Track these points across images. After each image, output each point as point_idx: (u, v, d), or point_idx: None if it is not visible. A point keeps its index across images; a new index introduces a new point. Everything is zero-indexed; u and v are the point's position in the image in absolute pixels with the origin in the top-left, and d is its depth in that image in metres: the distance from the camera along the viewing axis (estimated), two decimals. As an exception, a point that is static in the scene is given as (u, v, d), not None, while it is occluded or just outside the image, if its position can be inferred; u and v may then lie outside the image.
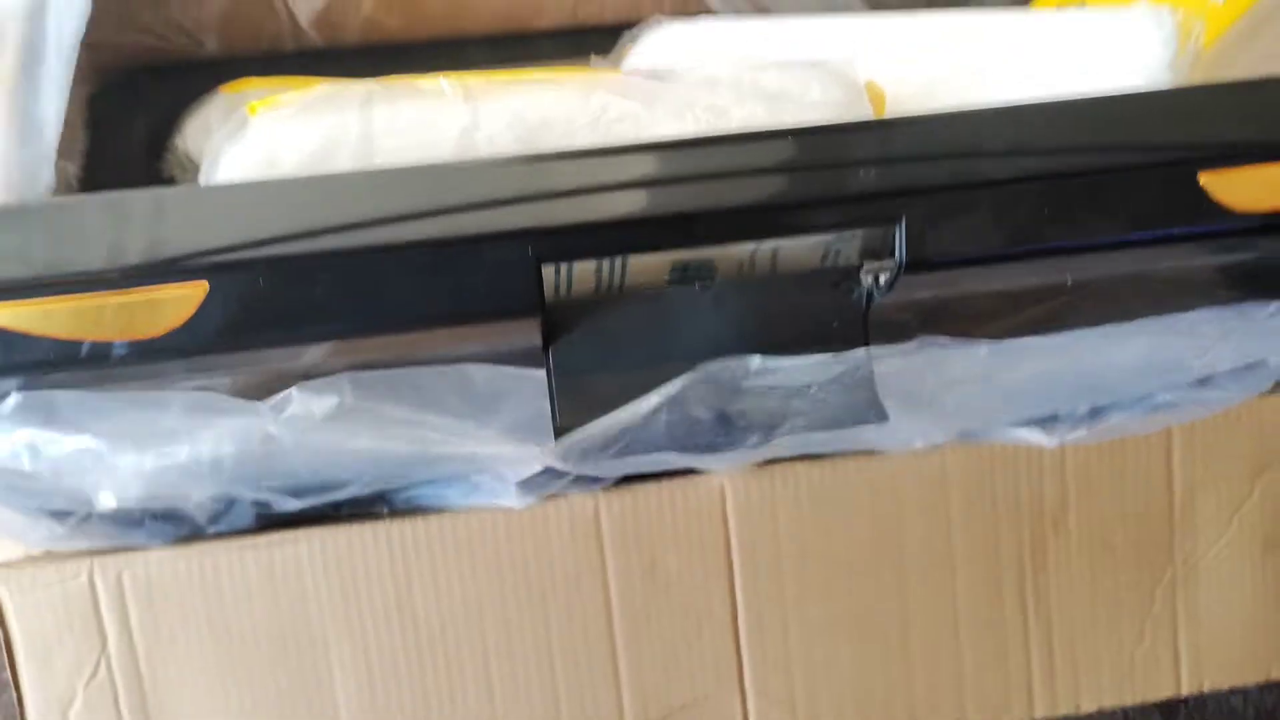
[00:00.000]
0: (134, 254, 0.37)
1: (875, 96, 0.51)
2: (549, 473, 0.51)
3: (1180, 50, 0.48)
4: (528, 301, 0.40)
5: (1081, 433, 0.56)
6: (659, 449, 0.44)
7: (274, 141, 0.45)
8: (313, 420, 0.42)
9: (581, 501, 0.56)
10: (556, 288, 0.45)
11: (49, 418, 0.39)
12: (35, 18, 0.49)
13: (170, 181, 0.65)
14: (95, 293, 0.37)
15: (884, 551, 0.59)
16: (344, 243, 0.38)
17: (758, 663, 0.59)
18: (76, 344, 0.37)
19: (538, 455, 0.45)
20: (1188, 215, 0.41)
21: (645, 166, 0.39)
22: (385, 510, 0.57)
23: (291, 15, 0.74)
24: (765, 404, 0.43)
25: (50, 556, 0.53)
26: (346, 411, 0.43)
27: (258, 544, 0.54)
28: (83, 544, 0.52)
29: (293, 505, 0.53)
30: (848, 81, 0.49)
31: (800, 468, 0.57)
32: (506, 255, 0.39)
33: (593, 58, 0.66)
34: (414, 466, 0.45)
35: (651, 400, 0.41)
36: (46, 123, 0.45)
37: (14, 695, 0.54)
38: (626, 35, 0.64)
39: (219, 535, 0.55)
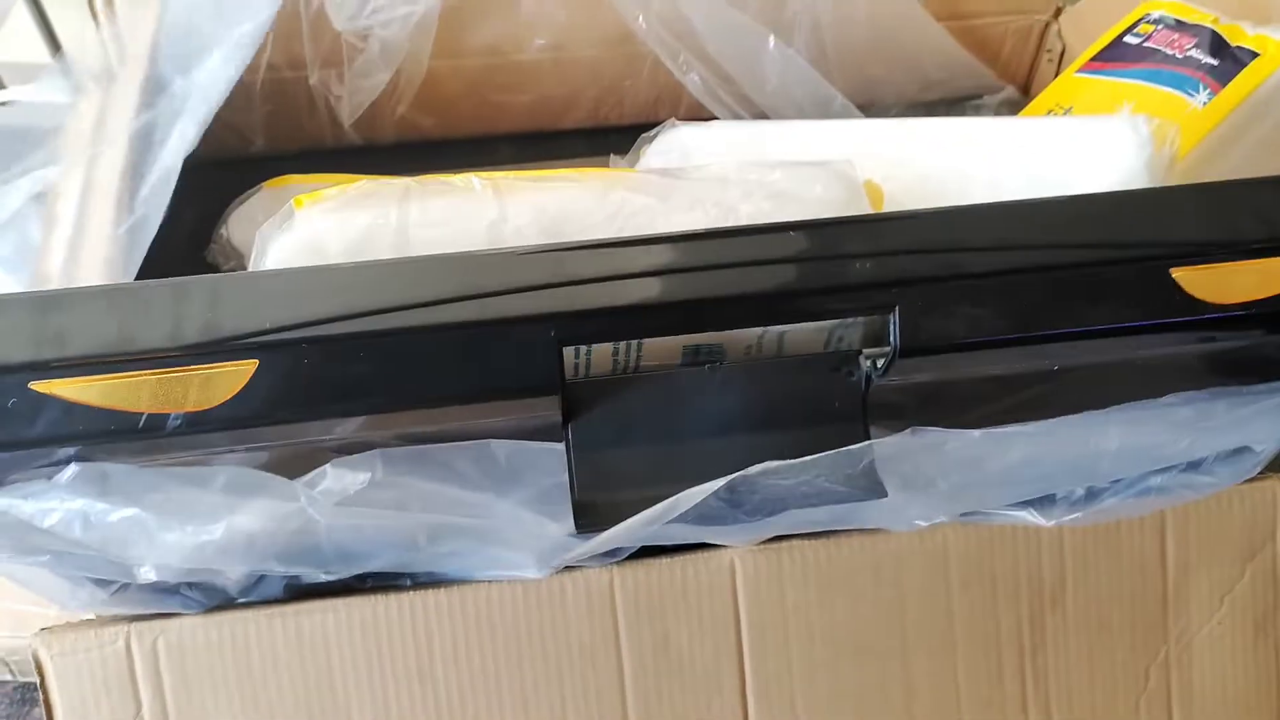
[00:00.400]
0: (193, 333, 0.40)
1: (874, 194, 0.54)
2: (566, 544, 0.53)
3: (1155, 154, 0.52)
4: (549, 381, 0.43)
5: (1077, 514, 0.58)
6: (670, 524, 0.47)
7: (318, 232, 0.49)
8: (346, 495, 0.45)
9: (597, 575, 0.59)
10: (576, 368, 0.49)
11: (102, 489, 0.42)
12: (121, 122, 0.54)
13: (215, 268, 0.69)
14: (156, 369, 0.40)
15: (888, 629, 0.61)
16: (381, 325, 0.41)
17: (766, 738, 0.61)
18: (136, 416, 0.40)
19: (558, 529, 0.47)
20: (1162, 307, 0.44)
21: (661, 257, 0.43)
22: (408, 581, 0.59)
23: (332, 116, 0.79)
24: (773, 490, 0.46)
25: (89, 622, 0.56)
26: (377, 486, 0.46)
27: (286, 613, 0.57)
28: (122, 610, 0.55)
29: (322, 578, 0.56)
30: (848, 180, 0.53)
31: (807, 545, 0.59)
32: (531, 338, 0.42)
33: (612, 157, 0.71)
34: (439, 539, 0.48)
35: (672, 508, 0.44)
36: (151, 213, 0.49)
37: (50, 757, 0.56)
38: (643, 137, 0.68)
39: (249, 604, 0.57)
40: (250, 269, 0.49)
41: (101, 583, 0.52)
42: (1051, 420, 0.49)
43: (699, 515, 0.47)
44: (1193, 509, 0.61)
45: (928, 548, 0.60)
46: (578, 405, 0.47)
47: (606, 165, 0.71)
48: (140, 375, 0.40)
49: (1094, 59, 0.69)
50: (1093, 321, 0.45)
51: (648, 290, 0.43)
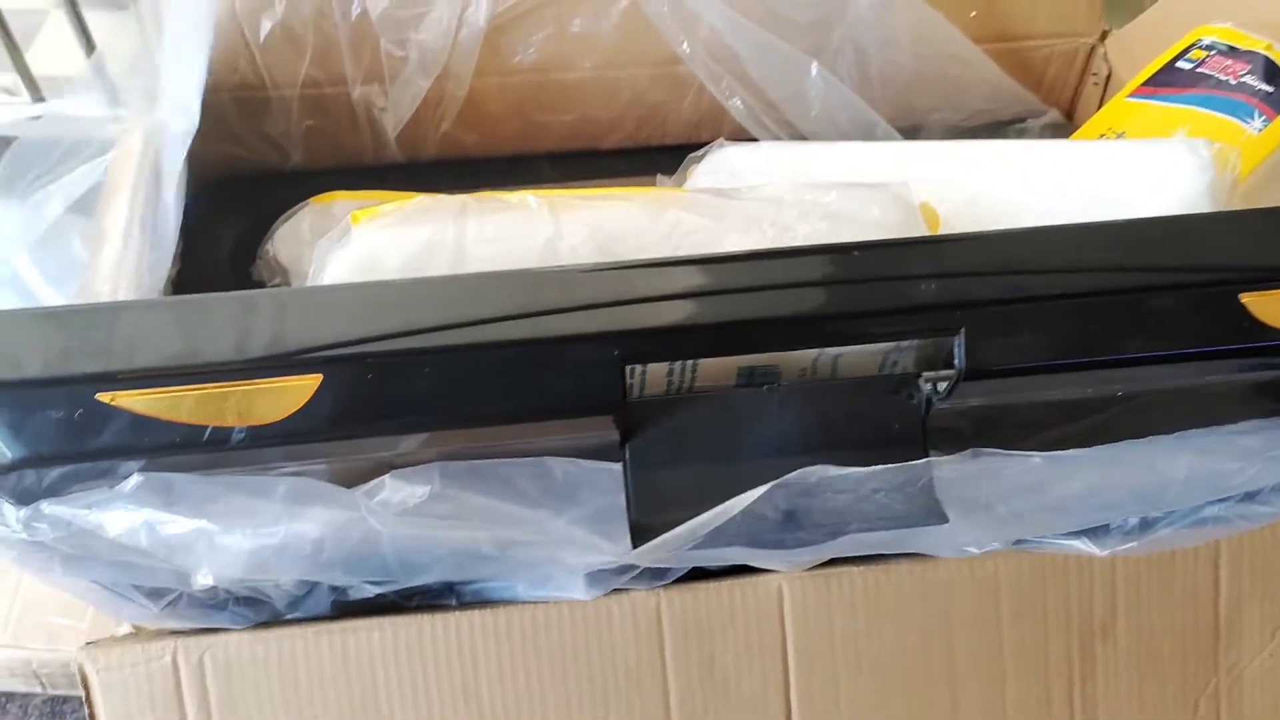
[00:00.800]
0: (259, 347, 0.40)
1: (930, 217, 0.54)
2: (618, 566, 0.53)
3: (1218, 178, 0.52)
4: (610, 399, 0.43)
5: (1132, 544, 0.57)
6: (728, 544, 0.46)
7: (375, 248, 0.49)
8: (404, 507, 0.45)
9: (644, 598, 0.58)
10: (630, 388, 0.49)
11: (166, 499, 0.42)
12: (156, 140, 0.54)
13: (260, 284, 0.69)
14: (222, 382, 0.40)
15: (936, 658, 0.60)
16: (445, 340, 0.41)
17: (812, 766, 0.60)
18: (200, 429, 0.40)
19: (611, 548, 0.47)
20: (1230, 333, 0.44)
21: (725, 276, 0.43)
22: (454, 601, 0.59)
23: (374, 131, 0.80)
24: (831, 504, 0.45)
25: (134, 636, 0.56)
26: (434, 499, 0.46)
27: (333, 630, 0.56)
28: (171, 624, 0.55)
29: (370, 591, 0.55)
30: (904, 202, 0.53)
31: (856, 572, 0.59)
32: (593, 356, 0.42)
33: (659, 177, 0.71)
34: (493, 555, 0.48)
35: (727, 510, 0.44)
36: (168, 229, 0.49)
37: (94, 772, 0.56)
38: (690, 157, 0.68)
39: (296, 620, 0.57)
40: (307, 285, 0.49)
41: (154, 595, 0.52)
42: (1116, 446, 0.49)
43: (756, 535, 0.47)
44: (1247, 539, 0.60)
45: (978, 576, 0.59)
46: (636, 424, 0.47)
47: (653, 184, 0.71)
48: (206, 389, 0.40)
49: (1145, 84, 0.68)
50: (1159, 346, 0.44)
51: (710, 310, 0.43)
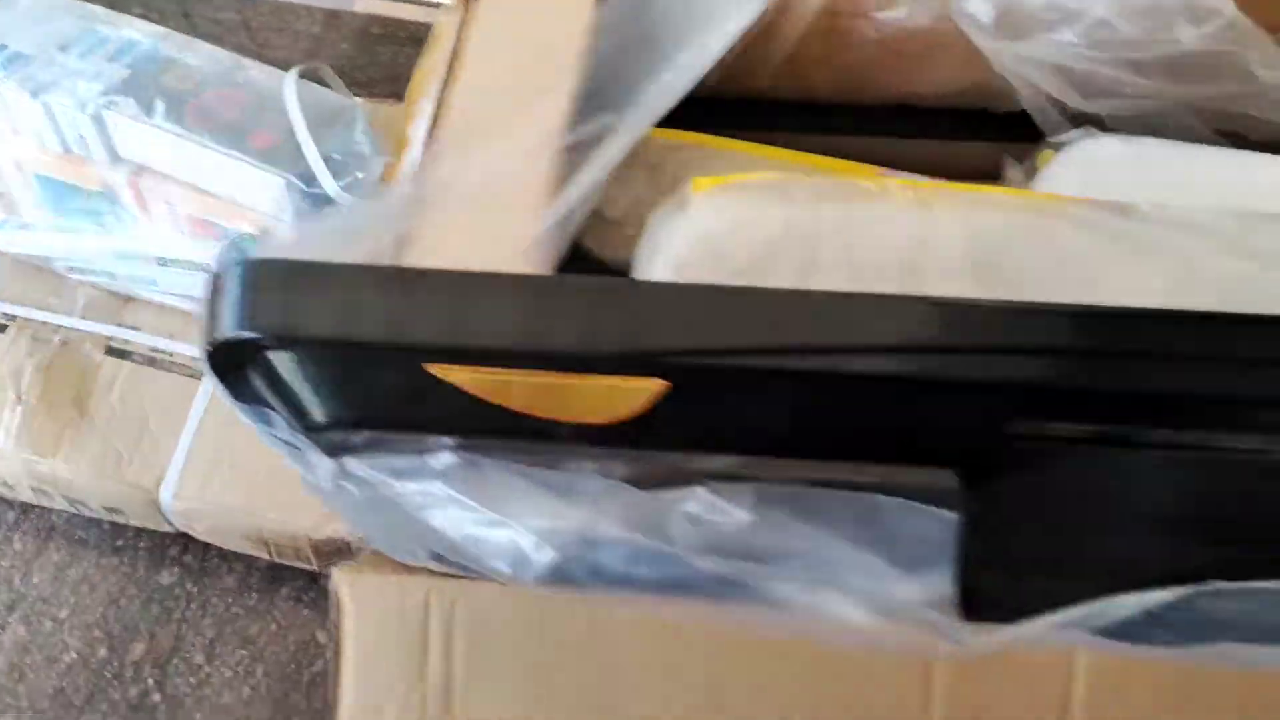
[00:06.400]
0: (605, 342, 0.36)
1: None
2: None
3: None
4: (984, 455, 0.37)
5: None
6: (1073, 631, 0.40)
7: (717, 228, 0.44)
8: (713, 527, 0.41)
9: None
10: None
11: (473, 482, 0.38)
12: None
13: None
14: (559, 373, 0.36)
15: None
16: (810, 365, 0.36)
17: None
18: (526, 418, 0.36)
19: (935, 618, 0.41)
20: None
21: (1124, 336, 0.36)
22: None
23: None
24: (1211, 613, 0.39)
25: (395, 569, 0.54)
26: (743, 521, 0.41)
27: (587, 600, 0.53)
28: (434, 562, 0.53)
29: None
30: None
31: (1163, 668, 0.52)
32: (976, 405, 0.36)
33: (1007, 159, 0.62)
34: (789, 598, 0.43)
35: (1096, 615, 0.38)
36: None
37: (332, 690, 0.55)
38: (1046, 142, 0.60)
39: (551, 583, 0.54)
40: (640, 253, 0.44)
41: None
42: None
43: (1109, 626, 0.40)
44: None
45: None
46: (981, 473, 0.41)
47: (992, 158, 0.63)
48: (541, 378, 0.36)
49: None
50: None
51: (1118, 372, 0.36)
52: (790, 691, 0.54)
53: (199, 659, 0.87)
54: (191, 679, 0.86)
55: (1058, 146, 0.58)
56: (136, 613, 0.88)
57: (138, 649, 0.87)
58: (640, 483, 0.42)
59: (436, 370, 0.36)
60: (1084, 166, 0.56)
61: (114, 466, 0.81)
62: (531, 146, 0.43)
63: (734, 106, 0.73)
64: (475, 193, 0.39)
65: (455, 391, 0.36)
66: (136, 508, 0.83)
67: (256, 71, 0.74)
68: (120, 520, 0.87)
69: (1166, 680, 0.51)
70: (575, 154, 0.42)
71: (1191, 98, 0.57)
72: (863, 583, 0.43)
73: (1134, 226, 0.45)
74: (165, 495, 0.82)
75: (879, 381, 0.35)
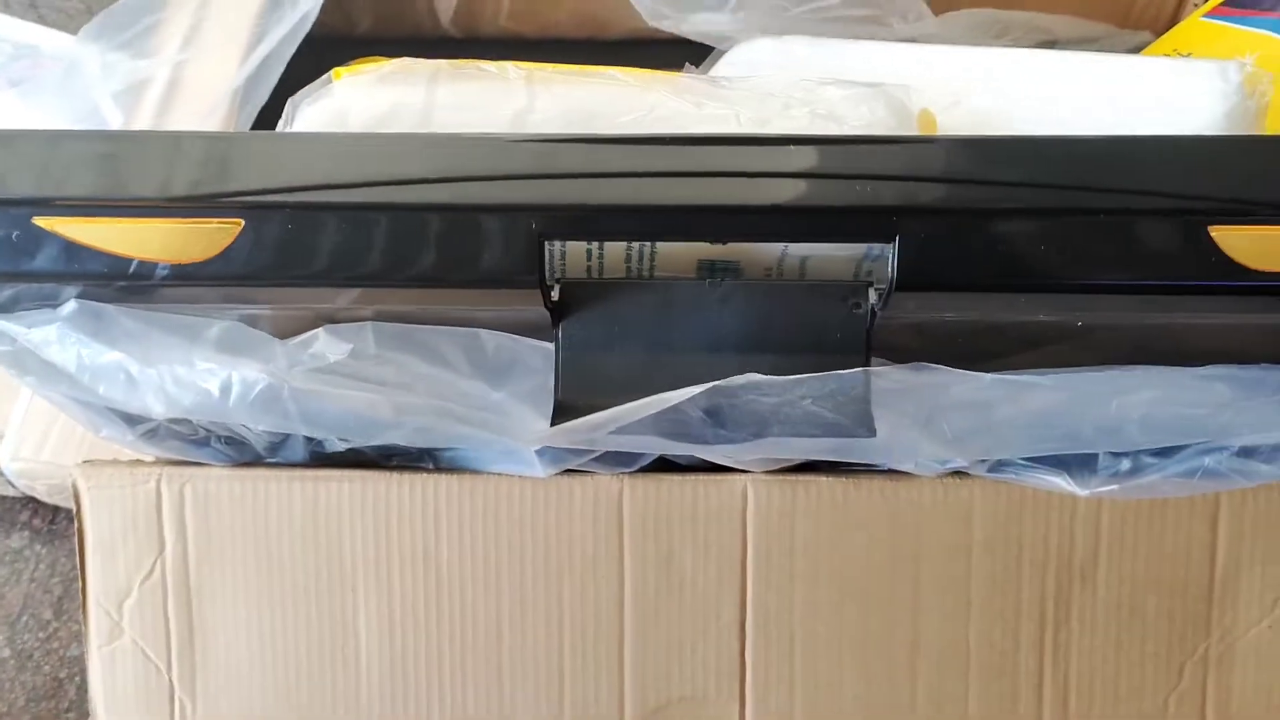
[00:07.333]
0: (183, 187, 0.41)
1: (927, 124, 0.51)
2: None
3: (1240, 104, 0.47)
4: (527, 275, 0.42)
5: (1114, 487, 0.54)
6: (646, 433, 0.46)
7: (346, 104, 0.50)
8: (333, 362, 0.46)
9: (607, 483, 0.58)
10: (588, 270, 0.48)
11: (96, 326, 0.44)
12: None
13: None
14: (147, 218, 0.42)
15: (899, 579, 0.59)
16: (359, 198, 0.42)
17: (760, 673, 0.60)
18: (127, 261, 0.42)
19: (532, 426, 0.47)
20: (1197, 269, 0.40)
21: (636, 158, 0.41)
22: (430, 465, 0.61)
23: (432, 12, 0.80)
24: (755, 407, 0.44)
25: (129, 462, 0.60)
26: (365, 357, 0.47)
27: (305, 477, 0.59)
28: (153, 452, 0.58)
29: (341, 446, 0.57)
30: (898, 105, 0.50)
31: (824, 482, 0.58)
32: (511, 228, 0.42)
33: (686, 65, 0.69)
34: (392, 423, 0.48)
35: (644, 407, 0.43)
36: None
37: (80, 580, 0.60)
38: (718, 49, 0.66)
39: (274, 464, 0.60)
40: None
41: (129, 420, 0.54)
42: (1072, 374, 0.46)
43: (675, 429, 0.46)
44: (1250, 499, 0.57)
45: (951, 501, 0.58)
46: (571, 305, 0.47)
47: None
48: (131, 222, 0.41)
49: (1224, 4, 0.62)
50: (1114, 276, 0.41)
51: (616, 191, 0.41)
52: (496, 548, 0.59)
53: (47, 615, 0.92)
54: (40, 634, 0.91)
55: (726, 50, 0.65)
56: (-14, 576, 0.93)
57: (-13, 609, 0.91)
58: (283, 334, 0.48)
59: (43, 223, 0.42)
60: (743, 64, 0.63)
61: (-49, 433, 0.85)
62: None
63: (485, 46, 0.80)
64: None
65: (65, 241, 0.42)
66: (-22, 473, 0.87)
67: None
68: (-35, 487, 0.92)
69: (825, 499, 0.58)
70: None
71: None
72: (477, 413, 0.49)
73: (721, 93, 0.52)
74: (3, 457, 0.86)
75: (413, 210, 0.41)
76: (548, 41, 0.83)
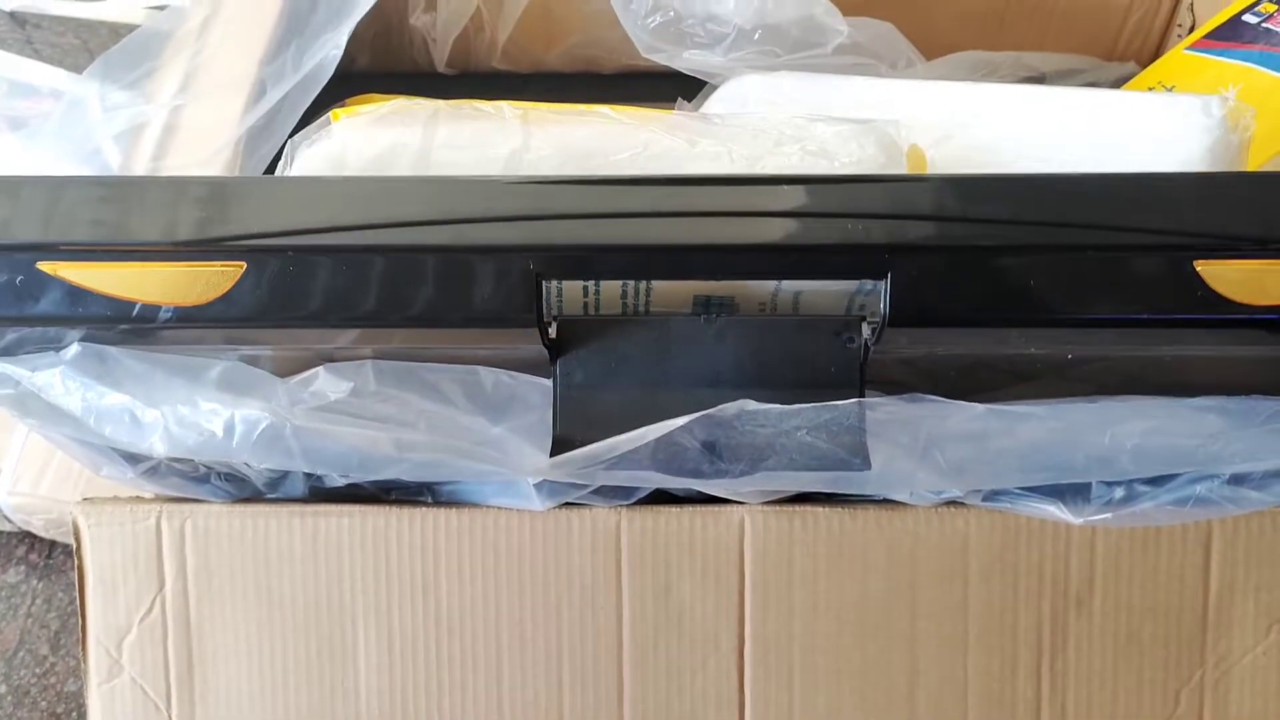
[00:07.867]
0: (186, 231, 0.42)
1: (916, 159, 0.52)
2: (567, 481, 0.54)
3: (1222, 138, 0.48)
4: (524, 315, 0.43)
5: (1107, 515, 0.55)
6: (643, 467, 0.47)
7: (345, 146, 0.50)
8: (331, 401, 0.47)
9: (605, 515, 0.59)
10: (585, 306, 0.49)
11: (100, 370, 0.44)
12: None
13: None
14: (149, 262, 0.42)
15: (896, 609, 0.59)
16: (357, 240, 0.42)
17: (759, 704, 0.60)
18: (130, 304, 0.43)
19: (531, 460, 0.48)
20: (1182, 303, 0.41)
21: (627, 199, 0.42)
22: (429, 499, 0.61)
23: (428, 54, 0.81)
24: (750, 439, 0.45)
25: (129, 499, 0.60)
26: (366, 395, 0.47)
27: (305, 512, 0.59)
28: (154, 490, 0.58)
29: (337, 481, 0.58)
30: (888, 142, 0.51)
31: (820, 513, 0.58)
32: (509, 268, 0.43)
33: (679, 101, 0.70)
34: (394, 458, 0.49)
35: (641, 436, 0.44)
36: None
37: (80, 617, 0.60)
38: (711, 84, 0.67)
39: (274, 500, 0.60)
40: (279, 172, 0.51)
41: (130, 459, 0.55)
42: (1064, 404, 0.47)
43: (672, 462, 0.46)
44: (1243, 526, 0.57)
45: (946, 531, 0.58)
46: (569, 341, 0.47)
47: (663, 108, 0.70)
48: (134, 266, 0.42)
49: (1207, 36, 0.64)
50: (1102, 310, 0.42)
51: (613, 231, 0.42)
52: (495, 581, 0.60)
53: (44, 650, 0.92)
54: (37, 669, 0.91)
55: (717, 86, 0.66)
56: (-18, 611, 0.93)
57: (-17, 644, 0.91)
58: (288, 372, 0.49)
59: (47, 268, 0.42)
60: (729, 97, 0.64)
61: (-51, 469, 0.85)
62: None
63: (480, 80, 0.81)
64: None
65: (68, 285, 0.42)
66: (-26, 509, 0.88)
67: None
68: (-37, 523, 0.92)
69: (822, 530, 0.58)
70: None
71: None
72: (477, 448, 0.49)
73: (714, 130, 0.52)
74: (0, 493, 0.86)
75: (413, 252, 0.42)
76: (541, 75, 0.83)
